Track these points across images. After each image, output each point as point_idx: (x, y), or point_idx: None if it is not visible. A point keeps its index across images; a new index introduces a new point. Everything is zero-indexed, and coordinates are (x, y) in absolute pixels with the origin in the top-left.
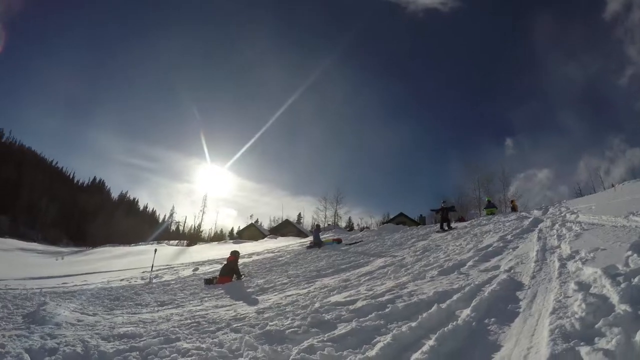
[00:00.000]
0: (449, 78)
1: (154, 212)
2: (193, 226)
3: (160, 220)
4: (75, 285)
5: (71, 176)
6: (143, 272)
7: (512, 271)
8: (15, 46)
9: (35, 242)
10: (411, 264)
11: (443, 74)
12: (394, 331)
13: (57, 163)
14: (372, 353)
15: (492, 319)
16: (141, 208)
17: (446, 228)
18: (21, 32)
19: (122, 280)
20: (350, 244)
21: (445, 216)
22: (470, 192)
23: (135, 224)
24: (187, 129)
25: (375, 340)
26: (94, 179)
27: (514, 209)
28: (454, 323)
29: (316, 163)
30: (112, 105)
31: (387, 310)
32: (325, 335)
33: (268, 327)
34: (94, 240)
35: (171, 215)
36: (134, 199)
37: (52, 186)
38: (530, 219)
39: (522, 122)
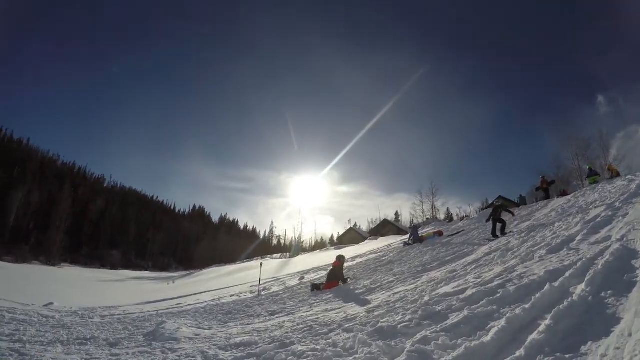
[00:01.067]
0: (523, 46)
1: (254, 230)
2: (293, 238)
3: (261, 237)
4: (189, 304)
5: (172, 207)
6: (251, 286)
7: (624, 240)
8: (104, 99)
9: (146, 270)
10: (517, 247)
11: (515, 43)
12: (508, 315)
13: (157, 197)
14: (487, 338)
15: (609, 292)
16: (241, 227)
17: (498, 234)
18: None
19: (232, 295)
20: (452, 235)
21: (498, 217)
22: (568, 163)
23: (238, 243)
24: (274, 147)
25: (489, 325)
26: (194, 206)
27: (615, 174)
28: (569, 300)
29: (406, 159)
30: (199, 135)
31: (498, 295)
32: (438, 326)
33: (380, 324)
34: (200, 263)
35: (271, 230)
36: (234, 219)
37: (156, 219)
38: (637, 182)
39: (611, 76)
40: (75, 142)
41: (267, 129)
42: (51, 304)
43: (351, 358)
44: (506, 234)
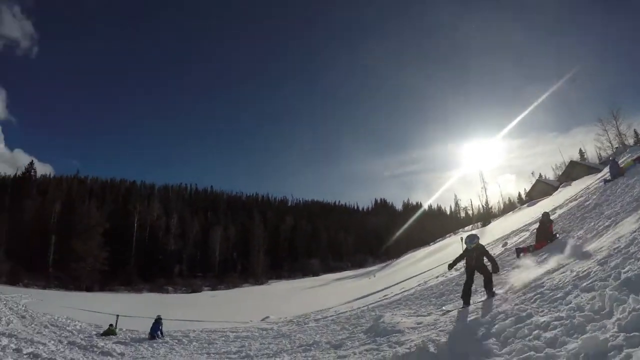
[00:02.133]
0: None
1: (439, 208)
2: (480, 205)
3: (448, 213)
4: (395, 294)
5: (355, 207)
6: None
7: None
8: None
9: (345, 270)
10: None
11: None
12: None
13: (339, 202)
14: None
15: None
16: (426, 208)
17: (470, 302)
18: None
19: (437, 277)
20: None
21: (477, 264)
22: None
23: (427, 225)
24: (434, 121)
25: None
26: (375, 200)
27: None
28: None
29: (577, 85)
30: (363, 133)
31: None
32: None
33: (624, 276)
34: (395, 252)
35: (456, 203)
36: (417, 202)
37: (343, 221)
38: None
39: None
40: (254, 175)
41: (424, 105)
42: (267, 317)
43: (611, 320)
44: (494, 293)
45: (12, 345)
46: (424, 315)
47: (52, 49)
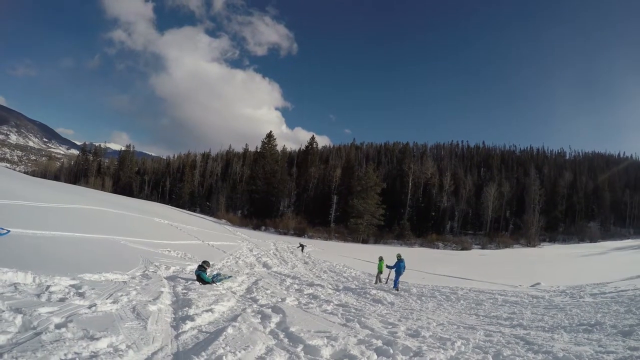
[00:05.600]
0: None
1: None
2: None
3: None
4: None
5: None
6: None
7: None
8: None
9: (627, 239)
10: None
11: None
12: None
13: (625, 154)
14: None
15: None
16: None
17: None
18: None
19: None
20: None
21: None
22: None
23: None
24: None
25: None
26: None
27: None
28: None
29: None
30: None
31: None
32: None
33: None
34: None
35: None
36: None
37: (630, 178)
38: None
39: None
40: (527, 127)
41: None
42: (538, 284)
43: None
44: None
45: (294, 285)
46: None
47: (308, 43)
